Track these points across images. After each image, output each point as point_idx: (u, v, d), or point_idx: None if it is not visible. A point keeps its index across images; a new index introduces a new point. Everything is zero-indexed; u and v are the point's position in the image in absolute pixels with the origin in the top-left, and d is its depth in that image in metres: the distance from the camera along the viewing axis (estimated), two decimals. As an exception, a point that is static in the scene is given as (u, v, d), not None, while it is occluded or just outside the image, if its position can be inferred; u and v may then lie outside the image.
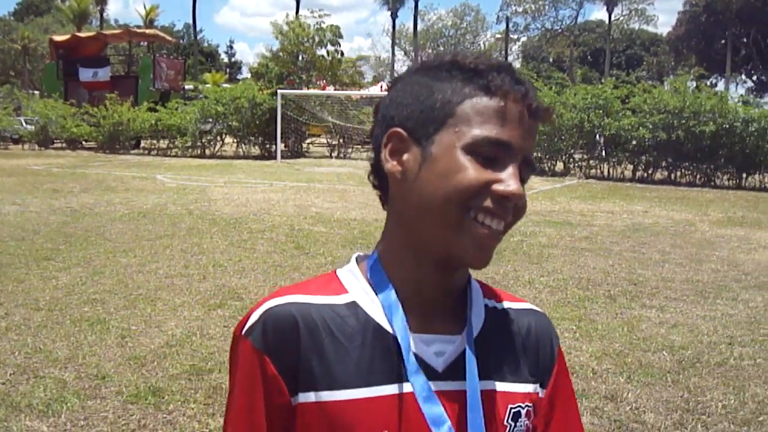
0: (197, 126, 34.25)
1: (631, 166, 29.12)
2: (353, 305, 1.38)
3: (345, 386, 1.30)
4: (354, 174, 26.68)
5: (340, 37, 49.33)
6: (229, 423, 1.37)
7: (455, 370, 1.35)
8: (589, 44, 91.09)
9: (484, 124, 1.27)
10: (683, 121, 27.24)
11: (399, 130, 1.34)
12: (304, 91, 40.02)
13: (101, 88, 39.73)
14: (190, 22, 72.63)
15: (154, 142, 36.50)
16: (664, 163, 28.87)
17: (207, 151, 35.31)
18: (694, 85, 32.82)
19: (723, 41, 71.51)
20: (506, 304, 1.52)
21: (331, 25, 48.87)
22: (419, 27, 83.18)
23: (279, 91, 34.35)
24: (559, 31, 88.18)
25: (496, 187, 1.26)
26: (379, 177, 1.45)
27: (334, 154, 37.86)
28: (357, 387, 1.31)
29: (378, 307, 1.37)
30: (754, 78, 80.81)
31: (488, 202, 1.27)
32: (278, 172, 26.48)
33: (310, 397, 1.30)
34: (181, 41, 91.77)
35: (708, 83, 52.24)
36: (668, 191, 24.90)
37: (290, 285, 1.46)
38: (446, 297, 1.41)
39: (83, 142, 36.96)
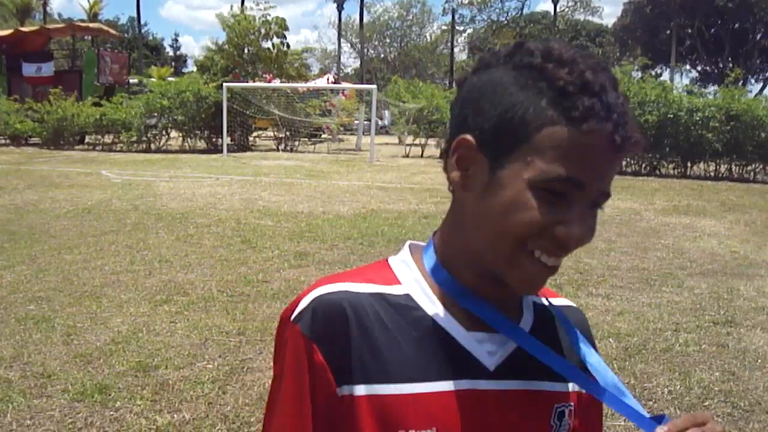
0: (142, 120, 33.88)
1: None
2: (407, 297, 1.35)
3: (395, 380, 1.28)
4: (301, 167, 26.65)
5: (286, 29, 49.03)
6: (276, 408, 1.33)
7: (506, 369, 1.34)
8: (535, 35, 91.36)
9: (560, 161, 1.17)
10: (628, 111, 27.42)
11: (470, 138, 1.26)
12: (250, 84, 39.73)
13: (45, 83, 39.16)
14: (135, 15, 71.93)
15: (99, 137, 36.07)
16: (609, 153, 29.03)
17: (152, 146, 34.96)
18: (639, 74, 33.13)
19: (668, 32, 72.33)
20: (549, 300, 1.50)
21: (277, 17, 48.56)
22: (365, 19, 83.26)
23: (224, 84, 34.09)
24: (505, 22, 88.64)
25: (560, 229, 1.21)
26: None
27: (281, 147, 37.68)
28: (407, 382, 1.28)
29: (432, 302, 1.35)
30: (699, 68, 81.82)
31: (548, 242, 1.22)
32: (224, 166, 26.34)
33: (359, 389, 1.28)
34: (126, 35, 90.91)
35: (653, 73, 52.80)
36: (614, 180, 24.84)
37: (340, 272, 1.43)
38: (501, 299, 1.37)
39: (27, 139, 36.48)
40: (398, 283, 1.37)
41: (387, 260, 1.43)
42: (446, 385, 1.29)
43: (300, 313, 1.30)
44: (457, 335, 1.32)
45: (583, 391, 1.41)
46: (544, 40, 1.28)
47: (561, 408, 1.40)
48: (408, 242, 1.46)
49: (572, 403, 1.42)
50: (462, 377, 1.30)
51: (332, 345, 1.28)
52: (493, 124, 1.22)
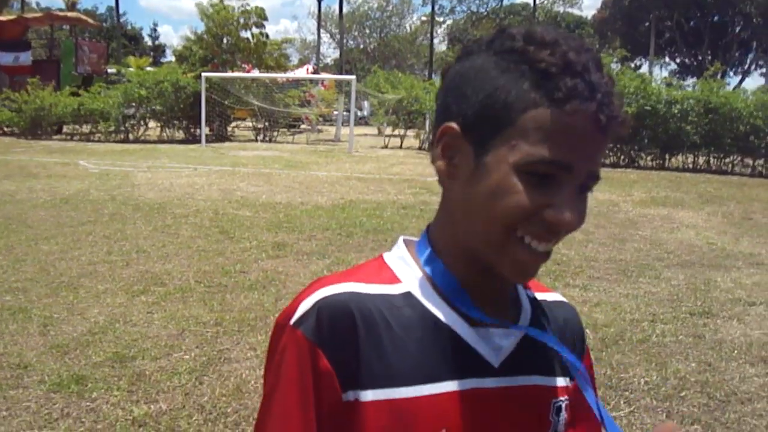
0: (120, 110, 33.72)
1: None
2: (408, 296, 1.32)
3: (404, 383, 1.24)
4: (279, 157, 26.62)
5: (265, 19, 49.03)
6: (274, 421, 1.25)
7: (510, 365, 1.33)
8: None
9: (544, 143, 1.15)
10: (607, 103, 27.51)
11: (454, 126, 1.24)
12: (229, 74, 39.65)
13: (23, 73, 38.90)
14: (113, 4, 71.41)
15: (77, 127, 35.87)
16: (588, 145, 29.14)
17: (130, 136, 34.82)
18: (619, 67, 33.22)
19: (647, 24, 72.48)
20: (542, 295, 1.50)
21: (256, 7, 48.56)
22: (345, 9, 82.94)
23: (203, 74, 34.00)
24: (485, 14, 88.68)
25: (549, 213, 1.18)
26: None
27: (260, 137, 37.60)
28: (416, 384, 1.25)
29: (434, 299, 1.32)
30: (678, 60, 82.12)
31: (538, 227, 1.20)
32: (203, 157, 26.27)
33: (367, 395, 1.23)
34: (104, 24, 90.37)
35: (632, 65, 53.00)
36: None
37: (339, 272, 1.37)
38: (498, 290, 1.36)
39: (5, 128, 36.23)
40: (398, 281, 1.34)
41: (383, 257, 1.41)
42: (453, 385, 1.27)
43: (302, 317, 1.25)
44: (461, 332, 1.30)
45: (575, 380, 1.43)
46: (526, 25, 1.26)
47: (558, 403, 1.39)
48: (401, 237, 1.44)
49: (567, 397, 1.42)
50: (468, 376, 1.28)
51: (339, 350, 1.23)
52: (476, 109, 1.21)
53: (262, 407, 1.29)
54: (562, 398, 1.40)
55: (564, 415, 1.40)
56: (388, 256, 1.40)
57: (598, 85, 1.16)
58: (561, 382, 1.42)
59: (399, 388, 1.24)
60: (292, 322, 1.25)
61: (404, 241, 1.42)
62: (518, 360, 1.34)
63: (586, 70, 1.16)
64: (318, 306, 1.25)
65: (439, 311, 1.30)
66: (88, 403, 5.50)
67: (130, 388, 5.78)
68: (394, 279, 1.34)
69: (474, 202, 1.23)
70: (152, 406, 5.47)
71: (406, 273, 1.35)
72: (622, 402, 5.81)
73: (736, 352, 7.10)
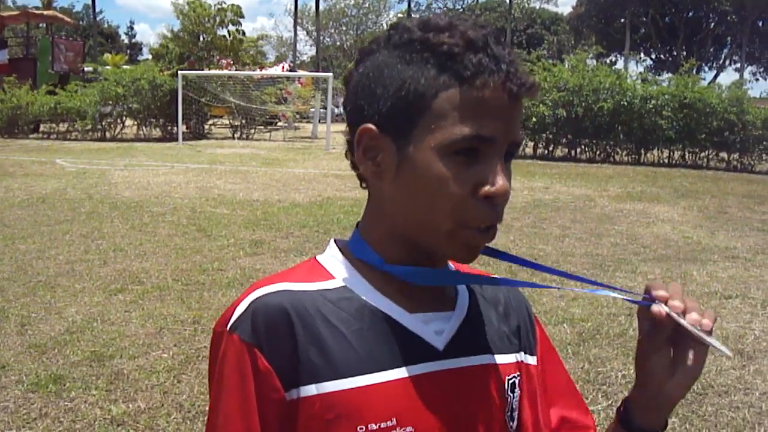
0: (97, 109, 33.59)
1: (531, 143, 29.38)
2: (344, 290, 1.31)
3: (348, 374, 1.23)
4: (257, 155, 26.57)
5: (242, 16, 48.96)
6: (218, 426, 1.24)
7: (456, 347, 1.32)
8: (491, 23, 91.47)
9: (463, 121, 1.17)
10: (583, 99, 27.67)
11: (371, 127, 1.24)
12: (205, 71, 39.55)
13: (-1, 72, 38.77)
14: (90, 2, 71.05)
15: (54, 125, 35.71)
16: (564, 140, 29.34)
17: (107, 134, 34.70)
18: (594, 63, 33.35)
19: (622, 20, 72.67)
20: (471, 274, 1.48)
21: (233, 5, 48.47)
22: (321, 6, 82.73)
23: (180, 71, 33.90)
24: (461, 10, 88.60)
25: (484, 190, 1.19)
26: (353, 153, 1.35)
27: (237, 135, 37.55)
28: (361, 374, 1.24)
29: (370, 290, 1.31)
30: (653, 56, 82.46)
31: (479, 208, 1.20)
32: (180, 154, 26.19)
33: (310, 390, 1.22)
34: (81, 22, 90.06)
35: (607, 61, 53.15)
36: (569, 167, 25.30)
37: (271, 275, 1.37)
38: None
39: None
40: (332, 277, 1.34)
41: (315, 258, 1.40)
42: (399, 373, 1.26)
43: (237, 321, 1.24)
44: (401, 319, 1.29)
45: (525, 360, 1.46)
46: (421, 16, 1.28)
47: (512, 379, 1.39)
48: (332, 239, 1.44)
49: (520, 373, 1.42)
50: (414, 362, 1.27)
51: (277, 348, 1.22)
52: (390, 104, 1.22)
53: (209, 418, 1.28)
54: (514, 374, 1.40)
55: (518, 391, 1.40)
56: (320, 257, 1.40)
57: (502, 56, 1.19)
58: (510, 358, 1.42)
59: (343, 379, 1.23)
60: (228, 327, 1.25)
61: (336, 241, 1.42)
62: (462, 341, 1.34)
63: (487, 45, 1.19)
64: (252, 308, 1.24)
65: (376, 301, 1.30)
66: (66, 403, 5.48)
67: (108, 387, 5.76)
68: (327, 276, 1.34)
69: (409, 198, 1.24)
70: (130, 405, 5.46)
71: (339, 269, 1.35)
72: (600, 396, 5.84)
73: (712, 345, 7.14)
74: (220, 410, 1.24)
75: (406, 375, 1.26)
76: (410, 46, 1.21)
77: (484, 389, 1.35)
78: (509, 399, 1.38)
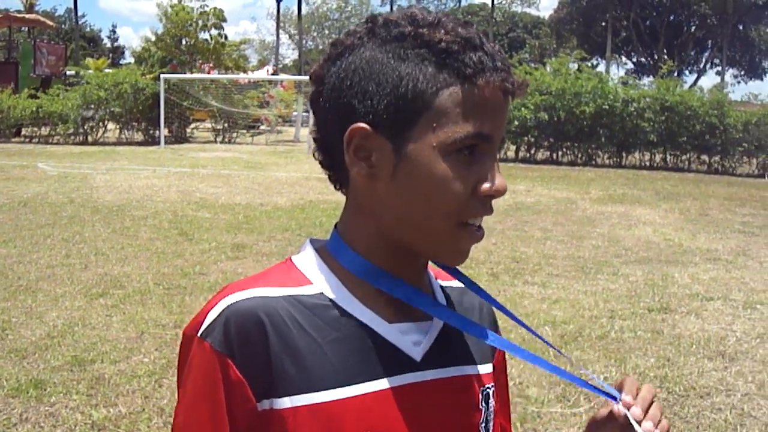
0: (79, 112, 33.44)
1: (513, 147, 29.35)
2: (321, 296, 1.26)
3: (323, 387, 1.20)
4: (239, 158, 26.54)
5: (224, 20, 48.81)
6: None
7: (432, 358, 1.29)
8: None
9: (465, 119, 1.16)
10: (565, 102, 27.72)
11: (364, 126, 1.20)
12: (188, 75, 39.45)
13: (-19, 76, 38.56)
14: (72, 6, 70.83)
15: (36, 129, 35.53)
16: (546, 143, 29.38)
17: (89, 138, 34.54)
18: (576, 66, 33.44)
19: (603, 24, 72.87)
20: (449, 283, 1.46)
21: (215, 8, 48.36)
22: (304, 10, 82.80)
23: (162, 75, 33.83)
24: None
25: (484, 187, 1.20)
26: (326, 153, 1.32)
27: (219, 138, 37.45)
28: (336, 387, 1.20)
29: (348, 298, 1.27)
30: (634, 59, 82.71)
31: (476, 206, 1.21)
32: (162, 158, 26.13)
33: (284, 402, 1.19)
34: (63, 26, 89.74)
35: (589, 65, 53.21)
36: (550, 170, 25.37)
37: (245, 278, 1.31)
38: (412, 272, 1.33)
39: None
40: (309, 282, 1.29)
41: (291, 259, 1.35)
42: (377, 385, 1.23)
43: (209, 327, 1.20)
44: (379, 329, 1.26)
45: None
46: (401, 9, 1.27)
47: (486, 390, 1.38)
48: (308, 239, 1.40)
49: (493, 384, 1.41)
50: (391, 374, 1.25)
51: (249, 358, 1.19)
52: (386, 103, 1.18)
53: (176, 422, 1.25)
54: (489, 385, 1.39)
55: (492, 401, 1.39)
56: (296, 258, 1.35)
57: (496, 54, 1.20)
58: (485, 369, 1.41)
59: (318, 392, 1.20)
60: (199, 333, 1.21)
61: (312, 241, 1.38)
62: (440, 351, 1.31)
63: (483, 43, 1.19)
64: (225, 315, 1.20)
65: (354, 309, 1.27)
66: (47, 408, 5.46)
67: (89, 392, 5.75)
68: (304, 280, 1.29)
69: (407, 195, 1.21)
70: (112, 410, 5.44)
71: (317, 274, 1.30)
72: (581, 398, 5.85)
73: (694, 346, 7.18)
74: (188, 417, 1.22)
75: (383, 387, 1.24)
76: (402, 42, 1.19)
77: (461, 401, 1.34)
78: (484, 410, 1.37)
